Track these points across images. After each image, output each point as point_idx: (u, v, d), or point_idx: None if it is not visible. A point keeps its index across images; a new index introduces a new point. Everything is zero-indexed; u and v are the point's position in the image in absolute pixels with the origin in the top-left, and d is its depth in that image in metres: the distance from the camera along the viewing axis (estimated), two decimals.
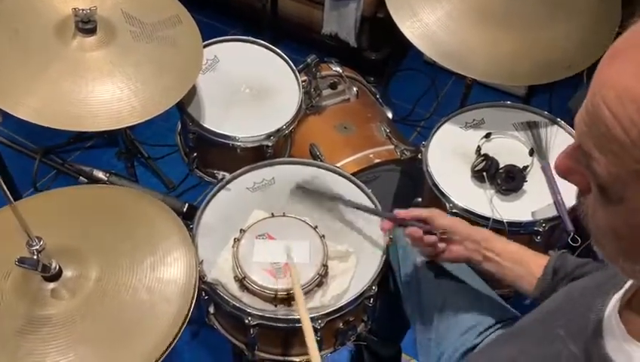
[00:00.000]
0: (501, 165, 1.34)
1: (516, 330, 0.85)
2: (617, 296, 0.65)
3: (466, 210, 1.30)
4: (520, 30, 1.45)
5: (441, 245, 1.09)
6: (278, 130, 1.39)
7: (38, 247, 0.83)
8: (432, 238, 1.09)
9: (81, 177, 1.19)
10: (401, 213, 1.15)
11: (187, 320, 0.89)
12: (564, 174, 0.57)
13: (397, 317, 1.29)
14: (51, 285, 0.89)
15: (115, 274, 0.91)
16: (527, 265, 1.03)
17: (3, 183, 0.75)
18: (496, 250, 1.06)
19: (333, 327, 1.18)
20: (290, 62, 1.52)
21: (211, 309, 1.22)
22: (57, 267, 0.88)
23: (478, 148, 1.40)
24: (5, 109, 1.11)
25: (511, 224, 1.27)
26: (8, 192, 0.76)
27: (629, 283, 0.64)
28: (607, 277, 0.69)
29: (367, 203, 1.30)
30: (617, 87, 0.47)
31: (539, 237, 1.29)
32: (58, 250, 0.90)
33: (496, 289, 1.19)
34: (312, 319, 1.10)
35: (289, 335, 1.16)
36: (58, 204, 1.06)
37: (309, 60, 1.56)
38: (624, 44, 0.49)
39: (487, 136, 1.43)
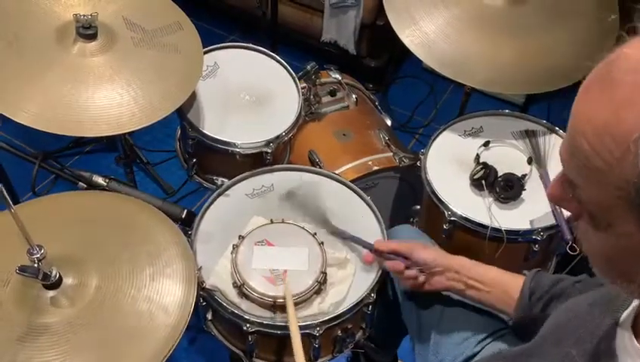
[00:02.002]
0: (500, 173, 1.34)
1: (527, 351, 0.86)
2: (627, 313, 0.65)
3: (465, 218, 1.30)
4: (519, 39, 1.45)
5: (422, 278, 1.11)
6: (278, 137, 1.39)
7: (39, 256, 0.83)
8: (412, 273, 1.11)
9: (80, 182, 1.18)
10: (380, 245, 1.16)
11: (184, 329, 0.89)
12: (556, 202, 0.61)
13: (394, 325, 1.29)
14: (51, 293, 0.88)
15: (114, 283, 0.91)
16: (507, 288, 1.05)
17: (6, 194, 0.74)
18: (477, 277, 1.07)
19: (332, 334, 1.18)
20: (289, 68, 1.52)
21: (209, 316, 1.22)
22: (57, 275, 0.88)
23: (477, 157, 1.40)
24: (5, 114, 1.11)
25: (509, 232, 1.28)
26: (10, 202, 0.76)
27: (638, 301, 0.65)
28: (616, 294, 0.69)
29: (367, 211, 1.30)
30: (593, 121, 0.50)
31: (537, 246, 1.29)
32: (58, 257, 0.90)
33: None
34: (311, 326, 1.10)
35: (287, 343, 1.16)
36: (58, 210, 1.05)
37: (308, 67, 1.57)
38: (595, 77, 0.52)
39: (486, 144, 1.44)
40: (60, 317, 0.86)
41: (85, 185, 1.19)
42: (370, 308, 1.19)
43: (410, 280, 1.12)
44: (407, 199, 1.64)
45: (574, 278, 0.98)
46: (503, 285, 1.05)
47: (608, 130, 0.48)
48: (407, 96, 2.46)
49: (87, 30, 1.20)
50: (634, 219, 0.49)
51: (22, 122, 1.11)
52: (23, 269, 0.82)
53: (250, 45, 1.56)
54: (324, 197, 1.31)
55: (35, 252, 0.82)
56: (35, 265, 0.83)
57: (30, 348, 0.83)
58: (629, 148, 0.47)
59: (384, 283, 1.24)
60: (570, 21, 1.47)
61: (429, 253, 1.11)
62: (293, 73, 1.52)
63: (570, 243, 1.26)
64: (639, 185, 0.47)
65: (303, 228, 1.22)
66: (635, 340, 0.61)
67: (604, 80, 0.51)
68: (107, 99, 1.18)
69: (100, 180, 1.19)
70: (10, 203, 0.73)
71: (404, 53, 1.44)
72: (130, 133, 2.07)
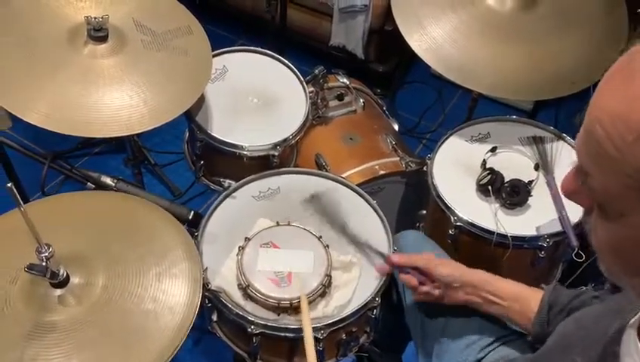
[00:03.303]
0: (506, 179, 1.34)
1: (533, 359, 0.85)
2: (635, 319, 0.65)
3: (471, 224, 1.30)
4: (526, 45, 1.46)
5: (437, 293, 1.10)
6: (285, 140, 1.40)
7: (47, 254, 0.84)
8: (426, 289, 1.11)
9: (88, 183, 1.20)
10: (394, 258, 1.15)
11: (189, 330, 0.89)
12: (568, 194, 0.60)
13: (399, 329, 1.30)
14: (58, 291, 0.89)
15: (121, 283, 0.92)
16: (527, 303, 1.03)
17: (16, 192, 0.75)
18: (495, 291, 1.06)
19: (336, 338, 1.18)
20: (297, 72, 1.53)
21: (214, 317, 1.23)
22: (65, 274, 0.89)
23: (484, 162, 1.40)
24: (15, 114, 1.13)
25: (515, 238, 1.27)
26: (20, 200, 0.77)
27: None
28: (626, 302, 0.69)
29: (373, 216, 1.30)
30: (609, 109, 0.51)
31: (543, 253, 1.29)
32: (66, 256, 0.91)
33: None
34: (315, 329, 1.11)
35: (291, 345, 1.17)
36: (66, 209, 1.07)
37: (316, 71, 1.57)
38: (616, 68, 0.53)
39: (493, 150, 1.44)
40: (67, 316, 0.87)
41: (94, 186, 1.20)
42: (374, 312, 1.19)
43: (424, 294, 1.12)
44: (413, 204, 1.64)
45: (593, 292, 0.98)
46: (521, 299, 1.04)
47: (622, 118, 0.49)
48: (415, 101, 2.47)
49: (97, 32, 1.22)
50: None
51: (32, 122, 1.12)
52: (31, 267, 0.84)
53: (259, 49, 1.57)
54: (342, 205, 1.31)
55: (44, 250, 0.83)
56: (43, 264, 0.84)
57: (37, 345, 0.84)
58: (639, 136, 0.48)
59: (389, 287, 1.24)
60: (579, 28, 1.47)
61: (447, 269, 1.10)
62: (301, 77, 1.53)
63: (577, 249, 1.26)
64: None
65: (308, 231, 1.23)
66: (638, 341, 0.61)
67: (624, 70, 0.52)
68: (117, 101, 1.19)
69: (109, 181, 1.20)
70: (20, 201, 0.74)
71: (412, 59, 1.45)
72: (139, 135, 2.10)
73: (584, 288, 1.02)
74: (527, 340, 1.06)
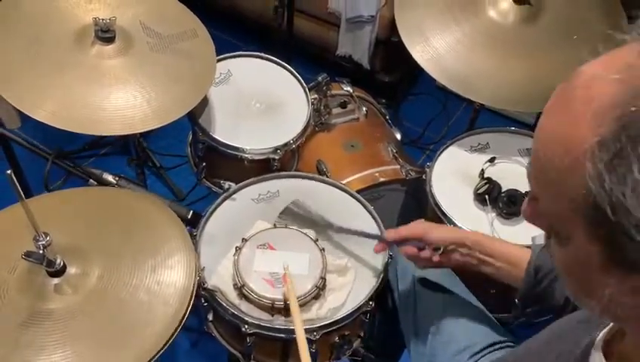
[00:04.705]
0: (503, 189, 1.35)
1: (514, 359, 0.86)
2: (603, 333, 0.66)
3: None
4: (529, 58, 1.47)
5: (436, 257, 1.12)
6: (285, 144, 1.42)
7: (44, 242, 0.86)
8: (426, 254, 1.12)
9: (90, 180, 1.22)
10: (390, 235, 1.18)
11: (183, 323, 0.91)
12: (527, 218, 0.62)
13: (394, 336, 1.30)
14: (55, 280, 0.91)
15: (116, 274, 0.94)
16: (520, 263, 1.06)
17: (15, 180, 0.78)
18: (490, 252, 1.09)
19: (329, 341, 1.19)
20: (300, 79, 1.56)
21: (210, 316, 1.24)
22: (62, 263, 0.91)
23: (482, 172, 1.41)
24: (24, 111, 1.15)
25: None
26: (20, 189, 0.79)
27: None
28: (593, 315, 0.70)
29: (370, 221, 1.32)
30: (550, 133, 0.52)
31: None
32: (64, 247, 0.93)
33: (494, 313, 1.20)
34: (308, 331, 1.11)
35: (285, 346, 1.18)
36: (67, 204, 1.09)
37: (319, 78, 1.60)
38: (555, 94, 0.54)
39: (492, 160, 1.45)
40: (63, 304, 0.89)
41: (96, 183, 1.23)
42: (368, 316, 1.20)
43: (426, 260, 1.13)
44: (412, 212, 1.65)
45: None
46: (516, 260, 1.06)
47: (561, 141, 0.50)
48: (420, 112, 2.48)
49: (105, 33, 1.25)
50: (586, 232, 0.50)
51: (39, 119, 1.15)
52: (28, 254, 0.86)
53: (263, 55, 1.60)
54: (326, 204, 1.33)
55: (41, 239, 0.85)
56: (41, 252, 0.86)
57: (33, 332, 0.86)
58: (578, 158, 0.48)
59: (384, 294, 1.25)
60: (582, 40, 1.48)
61: (441, 231, 1.13)
62: (304, 83, 1.55)
63: None
64: (588, 197, 0.48)
65: (305, 234, 1.24)
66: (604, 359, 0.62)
67: (561, 95, 0.53)
68: (121, 100, 1.21)
69: (110, 178, 1.22)
70: (19, 189, 0.76)
71: (418, 71, 1.46)
72: (145, 138, 2.13)
73: None
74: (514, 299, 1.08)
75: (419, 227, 1.14)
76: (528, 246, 1.27)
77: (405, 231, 1.16)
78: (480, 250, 1.09)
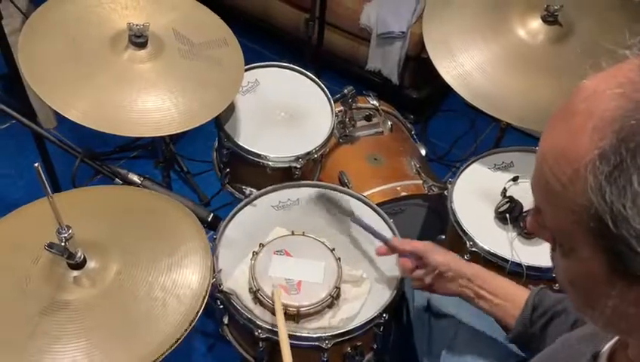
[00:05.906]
0: (525, 208, 1.34)
1: None
2: (608, 346, 0.66)
3: (486, 251, 1.30)
4: (557, 78, 1.45)
5: (428, 279, 1.12)
6: (308, 154, 1.44)
7: (66, 235, 0.89)
8: (419, 273, 1.13)
9: (116, 179, 1.26)
10: (395, 241, 1.19)
11: (195, 322, 0.92)
12: (532, 231, 0.63)
13: (409, 351, 1.29)
14: (75, 273, 0.94)
15: (134, 271, 0.97)
16: (518, 301, 1.04)
17: (42, 173, 0.81)
18: (488, 288, 1.07)
19: (341, 351, 1.19)
20: (326, 91, 1.57)
21: (225, 320, 1.26)
22: (82, 256, 0.94)
23: (504, 190, 1.40)
24: (57, 110, 1.20)
25: (530, 268, 1.27)
26: (45, 182, 0.83)
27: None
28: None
29: (390, 235, 1.32)
30: (553, 146, 0.53)
31: (557, 285, 1.27)
32: (85, 241, 0.96)
33: None
34: (320, 339, 1.12)
35: (296, 353, 1.18)
36: (91, 201, 1.13)
37: (345, 91, 1.61)
38: (558, 108, 0.55)
39: (515, 179, 1.44)
40: (81, 296, 0.92)
41: (121, 182, 1.26)
42: (381, 329, 1.19)
43: (418, 280, 1.14)
44: (433, 228, 1.65)
45: None
46: (511, 297, 1.05)
47: (564, 154, 0.51)
48: (448, 129, 2.48)
49: (138, 38, 1.29)
50: (589, 243, 0.51)
51: (71, 118, 1.19)
52: (50, 246, 0.89)
53: (291, 65, 1.62)
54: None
55: (64, 231, 0.89)
56: (62, 244, 0.89)
57: (50, 321, 0.89)
58: (579, 171, 0.49)
59: (399, 309, 1.25)
60: (611, 62, 1.46)
61: (442, 256, 1.12)
62: (329, 95, 1.57)
63: None
64: (590, 209, 0.48)
65: (322, 242, 1.25)
66: None
67: (564, 109, 0.53)
68: (149, 104, 1.25)
69: (135, 178, 1.26)
70: (44, 181, 0.79)
71: (447, 88, 1.47)
72: (174, 142, 2.18)
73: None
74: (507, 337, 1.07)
75: (424, 245, 1.14)
76: (547, 269, 1.27)
77: (410, 244, 1.16)
78: (480, 284, 1.08)
